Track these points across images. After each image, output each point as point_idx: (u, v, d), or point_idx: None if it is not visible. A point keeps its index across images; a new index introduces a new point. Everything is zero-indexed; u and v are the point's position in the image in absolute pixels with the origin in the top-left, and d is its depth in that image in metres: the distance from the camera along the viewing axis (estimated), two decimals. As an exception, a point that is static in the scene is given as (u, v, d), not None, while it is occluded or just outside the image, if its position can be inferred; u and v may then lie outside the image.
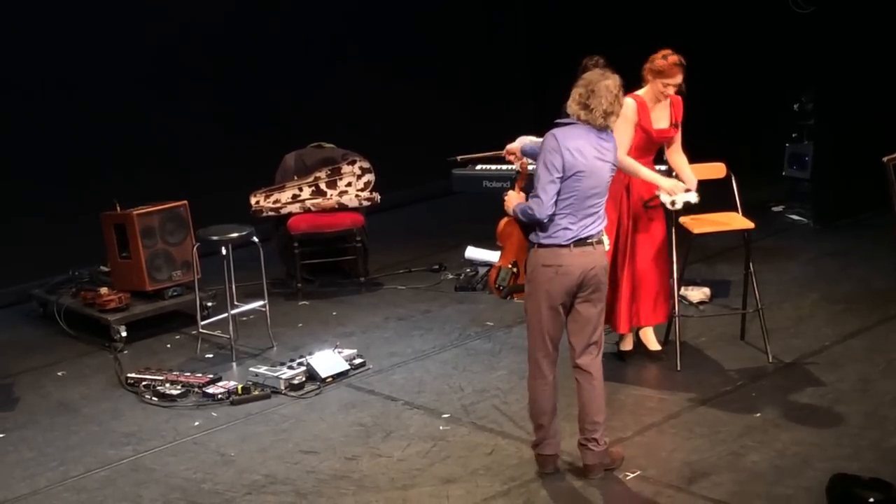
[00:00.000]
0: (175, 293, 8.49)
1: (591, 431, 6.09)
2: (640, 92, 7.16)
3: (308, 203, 9.18)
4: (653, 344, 7.60)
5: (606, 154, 5.93)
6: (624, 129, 6.91)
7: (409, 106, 10.64)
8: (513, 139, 6.78)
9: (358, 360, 7.66)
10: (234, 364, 7.82)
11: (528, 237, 6.03)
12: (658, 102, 7.18)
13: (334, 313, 8.71)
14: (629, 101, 6.94)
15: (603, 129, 5.91)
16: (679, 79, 7.12)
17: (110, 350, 8.12)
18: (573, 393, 6.22)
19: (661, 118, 7.22)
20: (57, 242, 8.95)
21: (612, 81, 5.90)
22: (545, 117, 9.09)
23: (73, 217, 8.95)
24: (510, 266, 6.53)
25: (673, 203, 7.07)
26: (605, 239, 6.16)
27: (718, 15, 11.24)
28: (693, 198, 7.09)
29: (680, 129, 7.32)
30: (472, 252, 9.19)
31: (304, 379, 7.39)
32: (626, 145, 7.01)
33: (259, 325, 8.27)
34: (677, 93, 7.23)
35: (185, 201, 8.55)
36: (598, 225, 5.98)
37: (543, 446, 6.19)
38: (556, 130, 5.92)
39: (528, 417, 6.29)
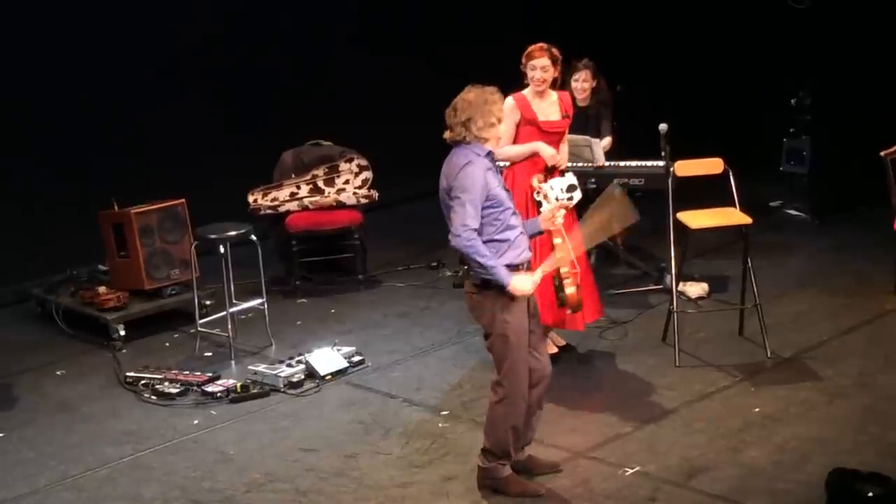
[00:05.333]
0: (173, 292, 8.49)
1: None
2: (523, 92, 7.25)
3: (306, 201, 9.18)
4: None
5: (443, 180, 5.83)
6: (505, 125, 6.79)
7: (406, 103, 10.63)
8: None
9: (357, 358, 7.66)
10: (233, 362, 7.81)
11: None
12: (539, 94, 7.22)
13: (333, 311, 8.71)
14: (507, 99, 6.99)
15: (462, 142, 5.80)
16: (544, 61, 7.16)
17: (109, 349, 8.11)
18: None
19: (551, 112, 7.27)
20: (55, 242, 8.94)
21: (472, 93, 5.79)
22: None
23: (71, 216, 8.94)
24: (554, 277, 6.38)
25: (545, 195, 6.58)
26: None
27: (714, 10, 11.23)
28: (563, 188, 6.75)
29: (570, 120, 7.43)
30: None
31: (302, 377, 7.39)
32: (505, 140, 6.97)
33: (257, 324, 8.27)
34: (560, 87, 7.35)
35: (183, 200, 8.55)
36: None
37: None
38: None
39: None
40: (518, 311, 5.82)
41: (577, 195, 6.84)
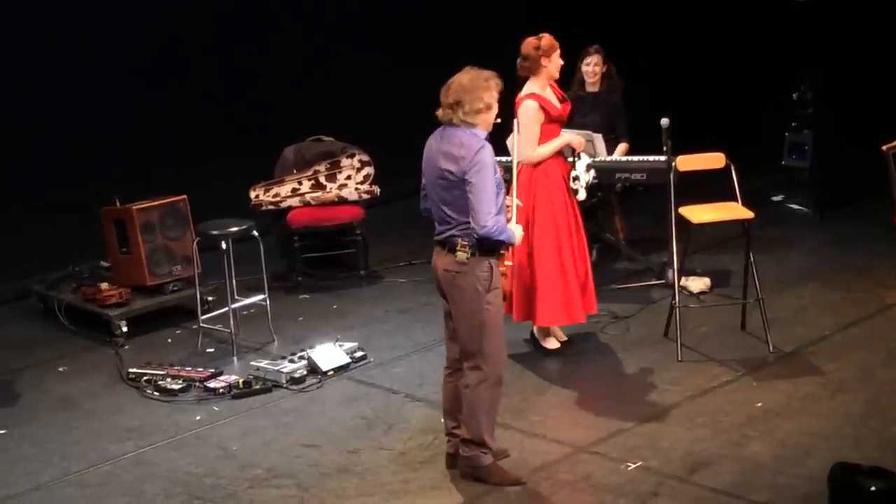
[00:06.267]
0: (175, 288, 8.49)
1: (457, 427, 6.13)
2: (530, 89, 7.23)
3: (308, 196, 9.18)
4: (551, 342, 7.63)
5: (441, 159, 5.80)
6: (531, 128, 7.14)
7: (407, 99, 10.60)
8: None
9: (359, 353, 7.67)
10: (235, 358, 7.82)
11: None
12: (543, 86, 7.26)
13: (335, 307, 8.71)
14: (530, 103, 7.14)
15: (452, 123, 5.80)
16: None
17: (111, 345, 8.12)
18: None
19: (555, 101, 7.34)
20: (57, 238, 8.92)
21: (468, 76, 5.81)
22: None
23: (72, 212, 8.93)
24: None
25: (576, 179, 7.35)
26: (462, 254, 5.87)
27: (716, 5, 11.22)
28: (584, 169, 7.37)
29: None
30: None
31: (305, 372, 7.40)
32: (534, 142, 7.17)
33: (260, 320, 8.27)
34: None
35: (185, 196, 8.55)
36: (446, 231, 5.91)
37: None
38: None
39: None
40: (497, 294, 5.91)
41: (593, 172, 7.46)
